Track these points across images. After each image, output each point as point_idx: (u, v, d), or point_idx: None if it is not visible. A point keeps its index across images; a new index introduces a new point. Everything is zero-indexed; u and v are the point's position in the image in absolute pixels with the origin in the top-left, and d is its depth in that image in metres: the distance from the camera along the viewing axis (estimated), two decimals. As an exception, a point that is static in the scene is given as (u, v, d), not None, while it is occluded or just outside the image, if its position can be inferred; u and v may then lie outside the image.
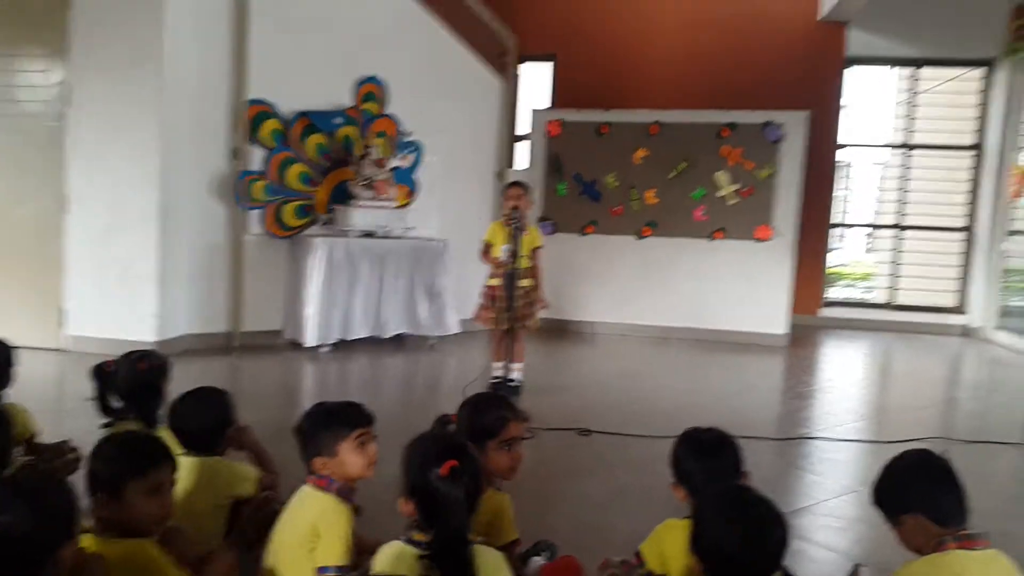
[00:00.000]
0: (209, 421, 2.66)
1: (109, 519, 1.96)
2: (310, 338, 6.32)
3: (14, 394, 3.22)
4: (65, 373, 5.52)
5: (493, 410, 2.46)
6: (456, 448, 1.95)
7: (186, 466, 2.50)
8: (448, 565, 1.82)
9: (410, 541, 1.91)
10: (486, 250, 5.35)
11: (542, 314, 5.47)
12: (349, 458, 2.26)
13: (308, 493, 2.26)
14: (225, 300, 6.46)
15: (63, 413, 4.09)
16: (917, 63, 9.26)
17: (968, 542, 1.93)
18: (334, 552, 2.15)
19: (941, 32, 8.91)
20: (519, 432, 2.44)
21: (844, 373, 6.96)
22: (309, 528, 2.17)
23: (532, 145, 8.29)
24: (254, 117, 6.36)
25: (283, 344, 6.66)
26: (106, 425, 2.86)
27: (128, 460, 2.00)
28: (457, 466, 1.86)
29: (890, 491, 2.09)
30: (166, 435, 2.77)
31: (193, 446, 2.60)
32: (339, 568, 2.14)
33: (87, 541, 1.92)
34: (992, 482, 4.02)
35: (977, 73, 9.16)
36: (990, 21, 8.78)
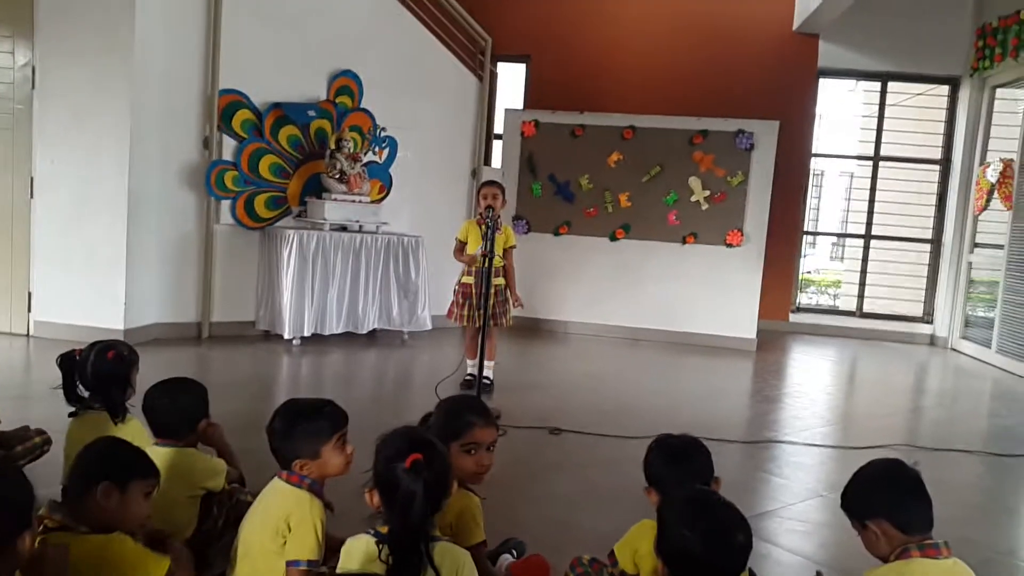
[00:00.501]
0: (186, 410, 2.63)
1: (90, 515, 1.95)
2: (283, 330, 6.27)
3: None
4: (31, 359, 5.42)
5: (463, 413, 2.43)
6: (423, 443, 1.93)
7: (161, 456, 2.47)
8: (403, 558, 1.81)
9: (376, 533, 1.90)
10: (459, 248, 5.34)
11: (515, 312, 5.47)
12: (331, 460, 2.24)
13: (280, 487, 2.23)
14: (195, 289, 6.38)
15: (29, 399, 4.01)
16: (885, 77, 9.40)
17: (931, 551, 1.96)
18: (305, 546, 2.13)
19: (909, 48, 9.07)
20: (485, 438, 2.38)
21: (812, 379, 7.04)
22: (281, 522, 2.14)
23: (506, 144, 8.29)
24: (226, 107, 6.29)
25: (255, 335, 6.60)
26: (73, 414, 2.81)
27: (142, 458, 2.12)
28: (420, 460, 1.85)
29: (858, 496, 2.11)
30: (135, 426, 2.74)
31: (166, 434, 2.58)
32: (309, 562, 2.12)
33: (60, 538, 1.90)
34: (955, 490, 4.08)
35: (943, 90, 9.33)
36: (955, 40, 8.96)
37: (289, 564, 2.12)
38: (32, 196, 5.88)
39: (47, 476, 3.09)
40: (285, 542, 2.14)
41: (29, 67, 5.78)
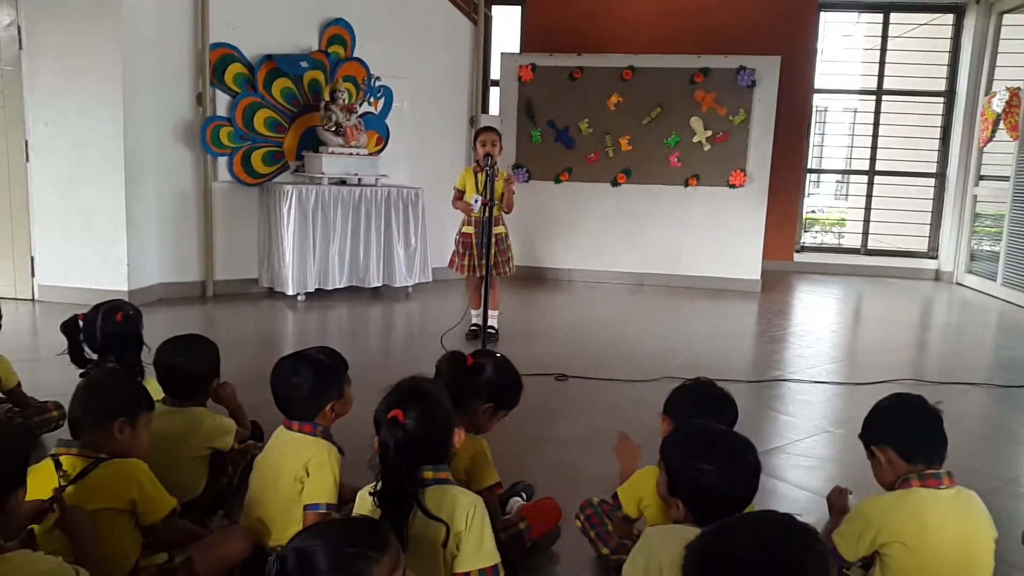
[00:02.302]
0: (202, 370, 2.64)
1: (104, 447, 2.10)
2: (287, 286, 6.27)
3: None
4: (37, 323, 5.44)
5: (519, 386, 2.53)
6: (412, 398, 1.93)
7: (171, 415, 2.50)
8: (388, 504, 1.84)
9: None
10: (458, 197, 5.30)
11: (518, 260, 5.42)
12: (348, 396, 2.35)
13: (292, 437, 2.25)
14: (197, 248, 6.38)
15: (38, 362, 4.03)
16: (887, 8, 9.20)
17: (932, 480, 1.99)
18: (324, 490, 2.17)
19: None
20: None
21: (817, 317, 7.03)
22: (300, 469, 2.18)
23: (504, 90, 8.17)
24: (217, 61, 6.20)
25: (259, 292, 6.61)
26: (84, 374, 2.83)
27: (143, 391, 2.26)
28: (397, 417, 1.86)
29: (870, 422, 2.16)
30: (152, 384, 2.76)
31: (180, 393, 2.59)
32: (328, 505, 2.15)
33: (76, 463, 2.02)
34: (960, 422, 4.09)
35: (947, 19, 9.14)
36: (961, -35, 8.74)
37: (307, 508, 2.16)
38: (28, 160, 5.83)
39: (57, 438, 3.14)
40: (302, 488, 2.17)
41: (15, 26, 5.68)
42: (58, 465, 2.03)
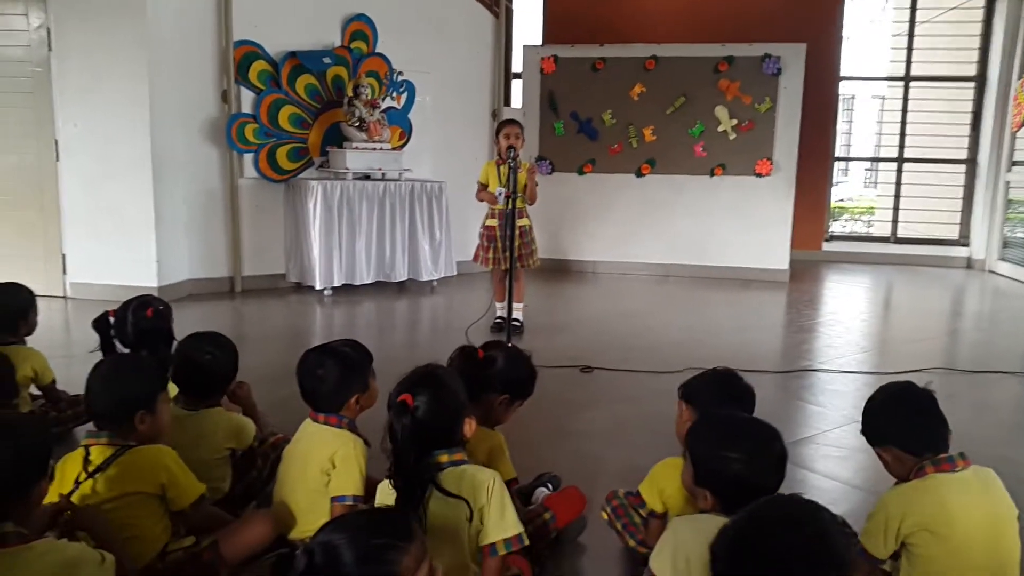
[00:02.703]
0: (223, 367, 2.63)
1: (129, 435, 2.15)
2: (314, 281, 6.32)
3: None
4: (69, 320, 5.53)
5: (533, 375, 2.52)
6: (423, 384, 1.94)
7: (187, 419, 2.51)
8: (403, 487, 1.86)
9: None
10: (481, 190, 5.30)
11: (542, 238, 5.37)
12: (374, 388, 2.36)
13: (319, 429, 2.27)
14: (225, 244, 6.44)
15: (71, 359, 4.09)
16: (917, -9, 9.05)
17: (946, 465, 1.96)
18: (351, 482, 2.19)
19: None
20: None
21: (846, 307, 6.95)
22: (326, 461, 2.20)
23: (526, 83, 8.14)
24: (242, 58, 6.24)
25: (286, 287, 6.67)
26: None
27: (157, 372, 2.30)
28: (406, 401, 1.88)
29: (868, 424, 2.13)
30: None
31: (196, 390, 2.58)
32: (355, 497, 2.17)
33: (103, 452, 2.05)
34: (993, 410, 4.05)
35: (978, 2, 8.96)
36: (993, -54, 8.56)
37: (335, 500, 2.18)
38: (58, 159, 5.92)
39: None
40: (328, 481, 2.18)
41: (44, 29, 5.76)
42: (87, 456, 2.06)
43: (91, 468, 2.05)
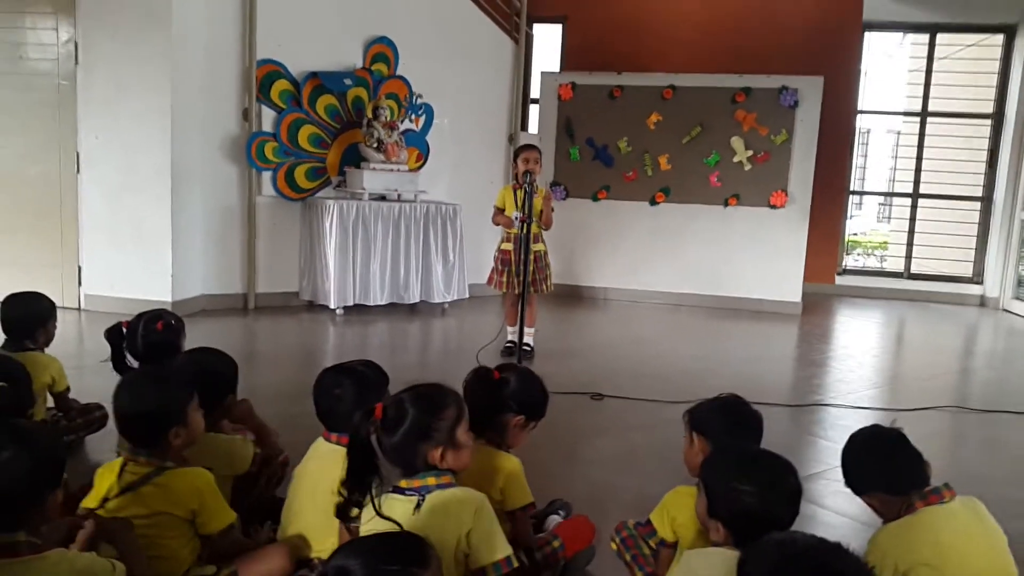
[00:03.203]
0: (217, 383, 2.58)
1: (167, 453, 2.14)
2: (327, 300, 6.35)
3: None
4: (83, 331, 5.57)
5: (545, 396, 2.52)
6: (399, 400, 1.96)
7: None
8: (355, 483, 1.93)
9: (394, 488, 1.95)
10: (498, 214, 5.33)
11: (555, 263, 5.39)
12: None
13: (331, 448, 2.27)
14: (240, 261, 6.48)
15: (83, 370, 4.11)
16: (934, 29, 9.07)
17: (934, 497, 1.98)
18: None
19: (960, -4, 8.72)
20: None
21: (858, 342, 6.92)
22: (336, 481, 2.18)
23: (543, 108, 8.20)
24: (264, 77, 6.32)
25: (299, 305, 6.70)
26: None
27: (185, 385, 2.24)
28: (378, 413, 1.92)
29: (848, 476, 2.17)
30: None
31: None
32: None
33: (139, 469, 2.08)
34: (1004, 449, 4.01)
35: (997, 39, 8.99)
36: (1012, -15, 8.59)
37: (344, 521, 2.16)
38: (79, 171, 5.98)
39: (101, 443, 3.21)
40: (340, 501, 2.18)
41: (72, 43, 5.85)
42: (122, 471, 2.08)
43: (124, 485, 2.06)
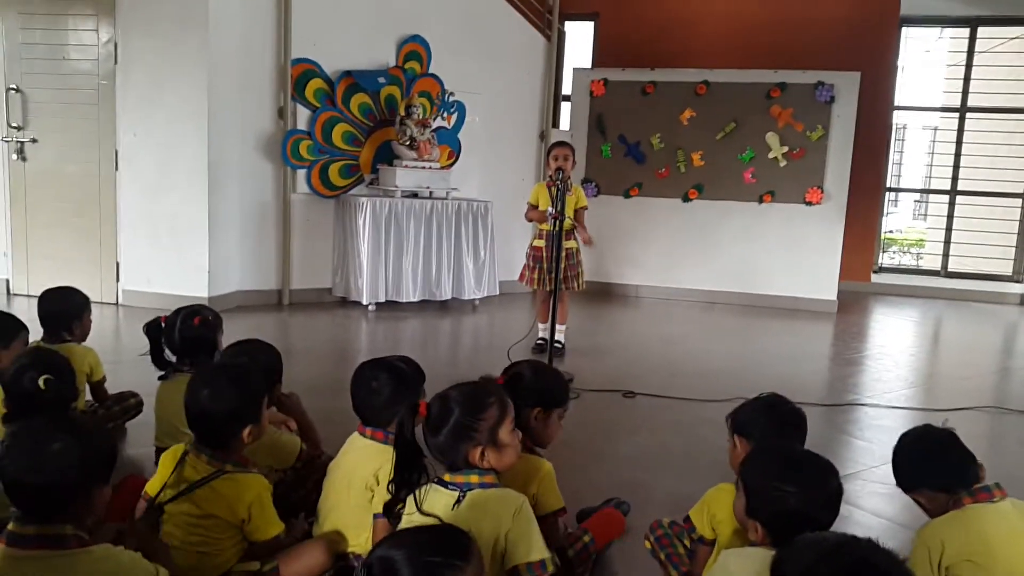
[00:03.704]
0: (264, 370, 2.59)
1: (232, 453, 2.17)
2: (361, 296, 6.40)
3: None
4: (120, 326, 5.66)
5: (561, 381, 2.49)
6: (445, 397, 1.98)
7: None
8: (401, 477, 1.99)
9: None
10: (531, 210, 5.33)
11: (586, 270, 5.39)
12: (424, 408, 2.34)
13: (365, 444, 2.29)
14: (275, 257, 6.55)
15: (120, 364, 4.19)
16: (974, 23, 8.90)
17: (983, 495, 1.97)
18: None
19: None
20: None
21: (894, 340, 6.83)
22: (370, 476, 2.21)
23: (575, 105, 8.18)
24: (299, 76, 6.37)
25: (332, 301, 6.75)
26: (163, 377, 2.93)
27: (260, 386, 2.27)
28: (423, 410, 1.97)
29: (897, 473, 2.19)
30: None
31: None
32: None
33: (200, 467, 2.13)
34: (1047, 452, 3.94)
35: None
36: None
37: (377, 517, 2.18)
38: (117, 168, 6.08)
39: (139, 436, 3.27)
40: (373, 496, 2.19)
41: (112, 43, 5.95)
42: (180, 463, 2.11)
43: (182, 483, 2.09)
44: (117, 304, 6.20)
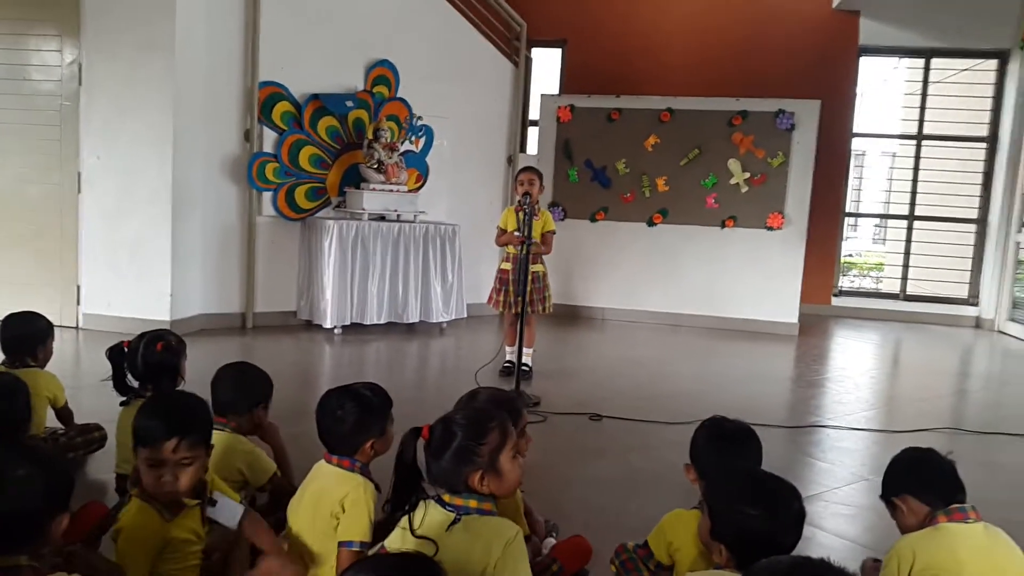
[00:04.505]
0: (251, 386, 2.76)
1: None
2: (325, 319, 6.36)
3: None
4: (80, 351, 5.56)
5: (508, 398, 2.48)
6: (447, 420, 2.00)
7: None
8: (398, 500, 2.00)
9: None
10: (501, 234, 5.36)
11: (553, 284, 5.42)
12: (390, 435, 2.34)
13: (332, 471, 2.27)
14: (238, 280, 6.49)
15: (80, 390, 4.12)
16: (929, 54, 9.18)
17: (958, 515, 2.02)
18: (359, 527, 2.17)
19: (954, 22, 8.81)
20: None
21: (855, 363, 6.94)
22: (336, 504, 2.19)
23: (542, 130, 8.27)
24: (266, 99, 6.37)
25: (297, 325, 6.70)
26: (124, 403, 2.89)
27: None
28: (425, 434, 1.98)
29: (890, 476, 2.24)
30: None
31: (226, 410, 2.67)
32: (362, 543, 2.16)
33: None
34: (1003, 472, 4.02)
35: (991, 64, 9.09)
36: (1003, 11, 8.69)
37: (342, 544, 2.17)
38: (79, 191, 6.01)
39: (100, 462, 3.21)
40: (338, 523, 2.18)
41: (76, 64, 5.90)
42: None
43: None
44: (77, 328, 6.09)
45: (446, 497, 1.94)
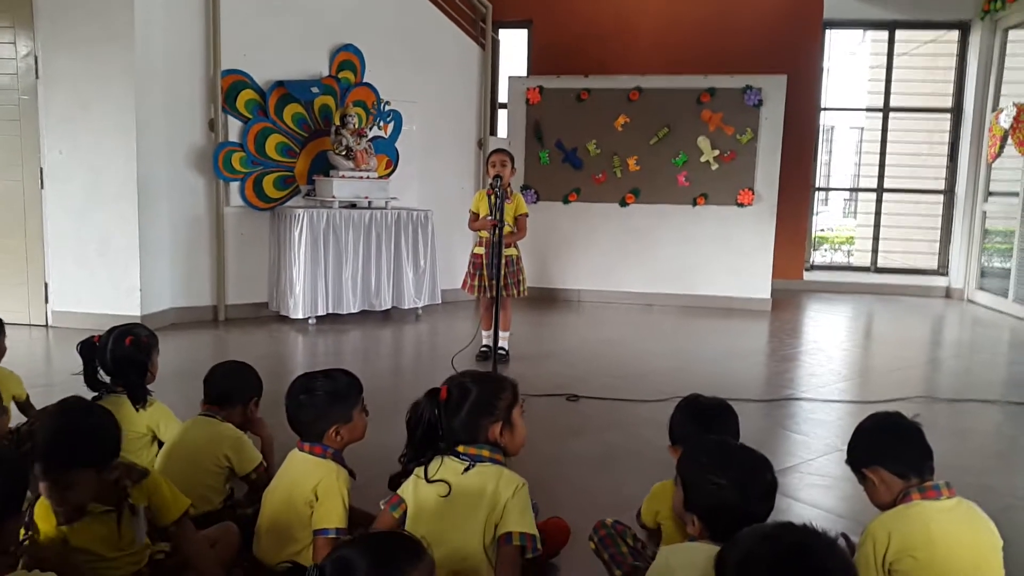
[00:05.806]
0: (244, 379, 2.82)
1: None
2: (297, 310, 6.30)
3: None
4: (51, 348, 5.48)
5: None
6: (459, 382, 2.16)
7: (200, 424, 2.65)
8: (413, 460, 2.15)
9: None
10: (473, 219, 5.33)
11: (528, 267, 5.42)
12: (359, 422, 2.35)
13: (304, 459, 2.26)
14: (209, 273, 6.42)
15: (52, 387, 4.06)
16: (892, 26, 9.24)
17: (932, 492, 2.00)
18: (334, 515, 2.17)
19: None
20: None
21: (828, 336, 7.02)
22: (309, 492, 2.18)
23: (511, 113, 8.23)
24: (229, 88, 6.28)
25: (269, 316, 6.64)
26: (96, 398, 2.84)
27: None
28: (443, 394, 2.12)
29: (856, 447, 2.17)
30: (159, 408, 2.84)
31: (218, 401, 2.73)
32: (338, 530, 2.15)
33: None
34: (974, 438, 4.09)
35: (953, 35, 9.18)
36: (965, -18, 8.77)
37: (317, 533, 2.16)
38: (43, 187, 5.90)
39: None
40: (312, 512, 2.17)
41: (32, 56, 5.78)
42: None
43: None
44: (47, 326, 6.00)
45: (460, 448, 2.11)
